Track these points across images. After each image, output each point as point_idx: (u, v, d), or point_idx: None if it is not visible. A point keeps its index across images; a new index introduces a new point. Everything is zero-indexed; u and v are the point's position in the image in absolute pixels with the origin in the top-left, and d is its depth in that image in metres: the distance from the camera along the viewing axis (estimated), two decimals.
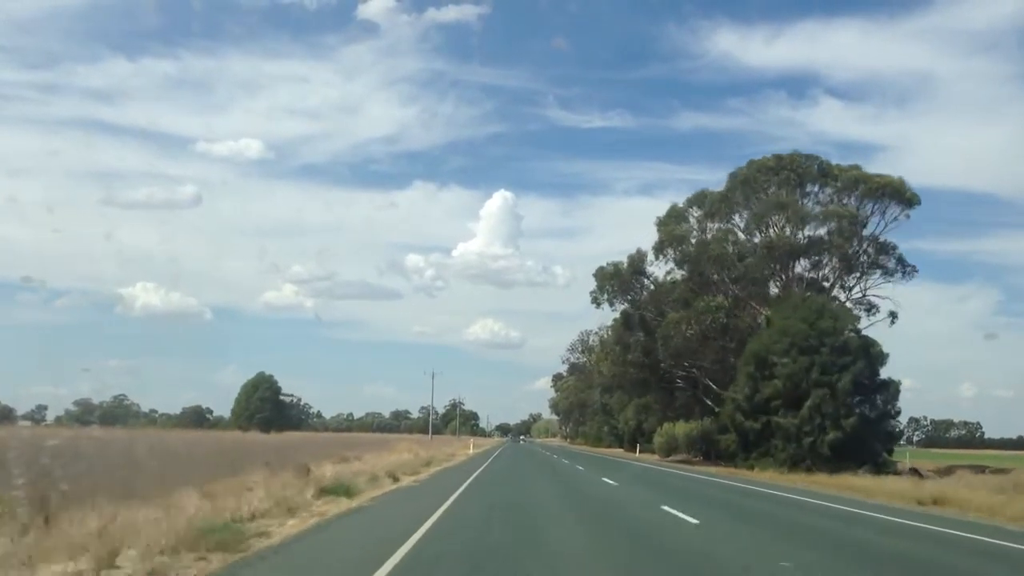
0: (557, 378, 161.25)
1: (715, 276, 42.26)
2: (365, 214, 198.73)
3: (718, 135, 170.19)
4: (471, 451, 58.49)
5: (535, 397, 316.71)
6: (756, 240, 42.18)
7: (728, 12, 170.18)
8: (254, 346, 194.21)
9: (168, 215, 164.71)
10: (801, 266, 41.85)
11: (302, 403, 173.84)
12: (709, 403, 52.45)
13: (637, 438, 77.15)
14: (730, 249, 41.57)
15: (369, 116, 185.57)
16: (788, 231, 39.68)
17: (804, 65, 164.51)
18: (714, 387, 46.92)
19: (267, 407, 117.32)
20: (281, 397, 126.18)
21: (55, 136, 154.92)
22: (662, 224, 44.12)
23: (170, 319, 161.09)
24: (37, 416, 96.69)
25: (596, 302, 46.65)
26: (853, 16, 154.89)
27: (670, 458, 60.95)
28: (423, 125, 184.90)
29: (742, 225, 42.97)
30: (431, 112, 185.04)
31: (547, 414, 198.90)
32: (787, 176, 40.46)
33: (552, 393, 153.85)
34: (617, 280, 45.57)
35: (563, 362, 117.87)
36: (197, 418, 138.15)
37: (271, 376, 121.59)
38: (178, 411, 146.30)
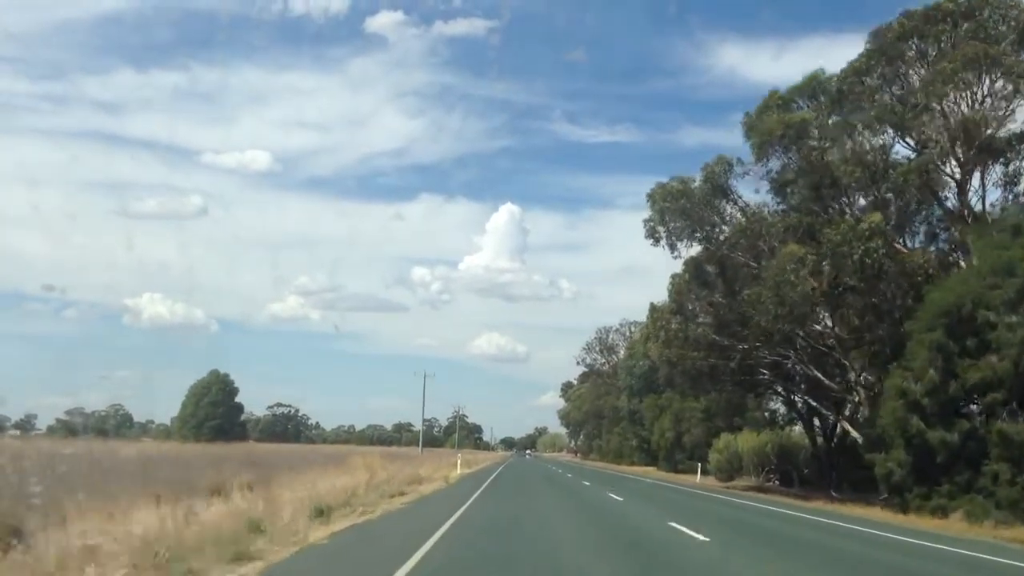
0: (567, 387, 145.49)
1: (851, 194, 25.90)
2: (372, 227, 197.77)
3: (724, 150, 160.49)
4: (457, 471, 41.73)
5: (541, 411, 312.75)
6: (912, 138, 25.67)
7: (734, 27, 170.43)
8: (259, 358, 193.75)
9: (176, 226, 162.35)
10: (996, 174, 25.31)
11: (299, 414, 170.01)
12: (807, 403, 35.78)
13: (675, 453, 60.29)
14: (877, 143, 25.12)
15: (377, 129, 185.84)
16: (988, 105, 23.06)
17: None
18: (826, 380, 30.26)
19: (219, 413, 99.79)
20: (237, 401, 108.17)
21: (64, 147, 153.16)
22: (759, 114, 27.59)
23: (177, 330, 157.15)
24: (27, 425, 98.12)
25: (653, 236, 29.40)
26: (860, 31, 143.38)
27: (733, 483, 44.14)
28: (430, 138, 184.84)
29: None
30: (439, 125, 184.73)
31: (553, 427, 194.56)
32: (975, 28, 23.97)
33: (560, 404, 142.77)
34: (687, 203, 28.57)
35: (577, 363, 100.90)
36: None
37: (226, 375, 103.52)
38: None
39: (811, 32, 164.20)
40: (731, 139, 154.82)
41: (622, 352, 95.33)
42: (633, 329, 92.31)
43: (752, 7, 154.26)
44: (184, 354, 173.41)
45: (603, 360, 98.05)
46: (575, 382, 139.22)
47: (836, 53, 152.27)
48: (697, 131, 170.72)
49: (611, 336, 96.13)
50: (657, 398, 64.89)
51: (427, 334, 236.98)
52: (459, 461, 43.23)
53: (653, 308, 33.96)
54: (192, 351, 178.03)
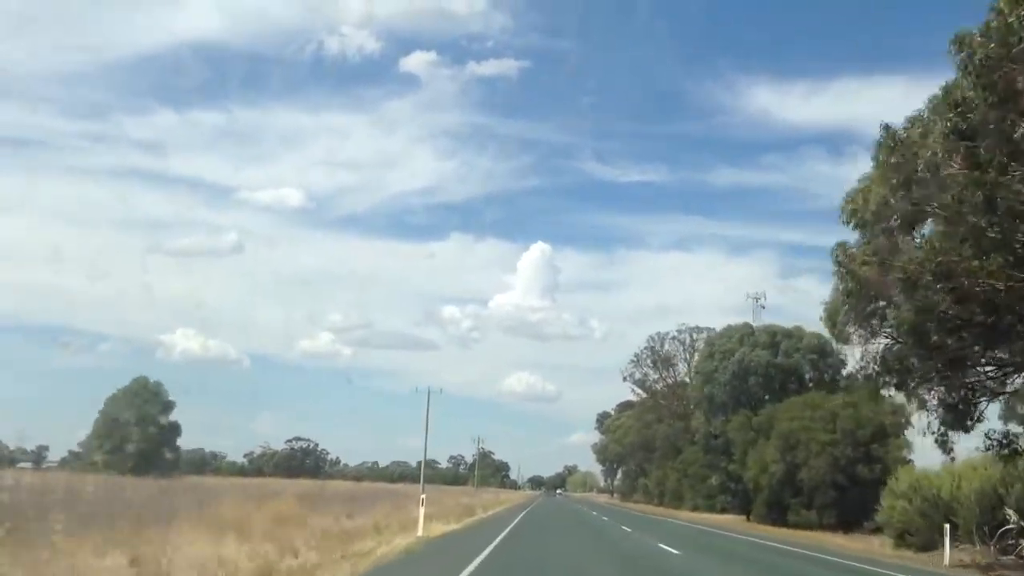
0: (603, 418, 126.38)
1: None
2: (403, 265, 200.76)
3: (754, 191, 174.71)
4: (419, 532, 22.20)
5: (570, 451, 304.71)
6: None
7: (766, 68, 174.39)
8: (289, 393, 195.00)
9: (211, 263, 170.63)
10: None
11: (319, 449, 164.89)
12: None
13: (784, 496, 40.06)
14: None
15: (408, 168, 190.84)
16: None
17: (844, 122, 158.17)
18: None
19: (146, 438, 77.47)
20: (172, 420, 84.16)
21: (103, 185, 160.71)
22: None
23: (208, 365, 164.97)
24: (38, 457, 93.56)
25: None
26: (894, 73, 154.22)
27: (931, 555, 24.35)
28: (461, 177, 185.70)
29: None
30: (469, 165, 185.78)
31: (585, 465, 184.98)
32: None
33: (594, 438, 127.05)
34: None
35: (624, 378, 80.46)
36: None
37: (158, 384, 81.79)
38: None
39: (842, 74, 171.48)
40: (764, 179, 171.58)
41: (681, 367, 75.80)
42: (695, 336, 72.83)
43: (783, 49, 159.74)
44: (215, 390, 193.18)
45: (656, 376, 78.19)
46: (613, 412, 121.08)
47: (868, 94, 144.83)
48: (729, 171, 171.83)
49: (666, 345, 76.52)
50: (751, 416, 45.10)
51: (457, 372, 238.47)
52: (422, 515, 22.84)
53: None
54: (223, 387, 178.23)
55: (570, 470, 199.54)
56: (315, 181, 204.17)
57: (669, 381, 76.06)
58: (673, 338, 75.62)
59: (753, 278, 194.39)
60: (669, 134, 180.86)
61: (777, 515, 40.50)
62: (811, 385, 48.48)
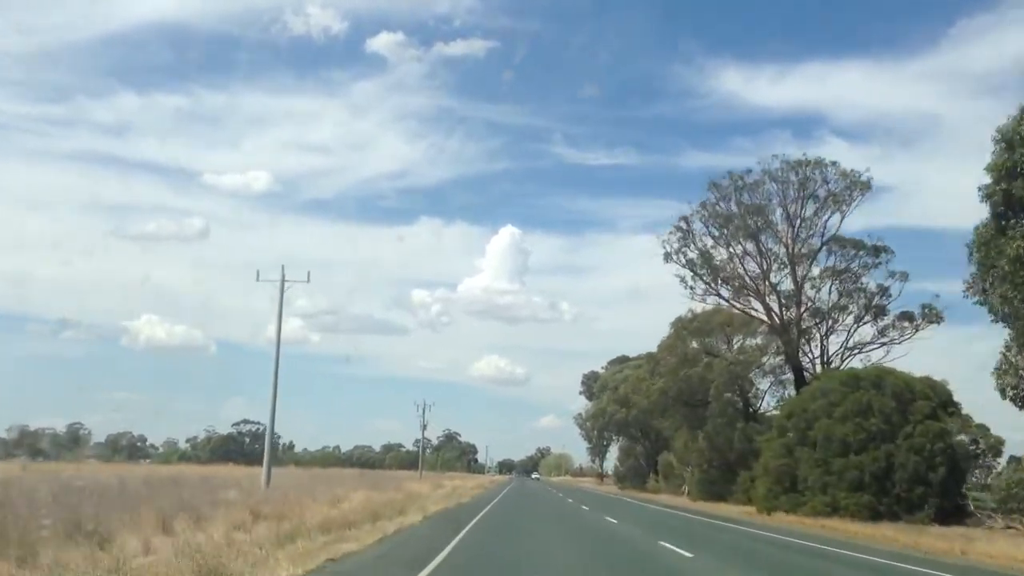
0: (590, 379, 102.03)
1: None
2: (372, 249, 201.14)
3: (724, 174, 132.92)
4: None
5: (540, 435, 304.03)
6: None
7: (734, 52, 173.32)
8: (257, 380, 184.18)
9: (176, 248, 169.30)
10: None
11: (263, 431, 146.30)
12: None
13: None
14: None
15: (377, 152, 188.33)
16: None
17: (810, 105, 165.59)
18: None
19: None
20: None
21: (65, 170, 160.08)
22: None
23: (175, 352, 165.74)
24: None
25: None
26: (859, 57, 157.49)
27: None
28: (430, 161, 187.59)
29: None
30: (438, 148, 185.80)
31: (555, 449, 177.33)
32: None
33: (565, 423, 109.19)
34: None
35: (667, 256, 44.73)
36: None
37: None
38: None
39: (810, 58, 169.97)
40: (733, 162, 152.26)
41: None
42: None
43: (752, 33, 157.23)
44: (181, 377, 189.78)
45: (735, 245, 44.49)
46: (601, 370, 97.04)
47: (835, 78, 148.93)
48: (698, 154, 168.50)
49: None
50: None
51: (427, 356, 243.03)
52: None
53: None
54: (190, 374, 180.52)
55: (543, 452, 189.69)
56: (282, 165, 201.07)
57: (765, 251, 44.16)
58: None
59: None
60: (639, 118, 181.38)
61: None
62: None
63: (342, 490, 30.91)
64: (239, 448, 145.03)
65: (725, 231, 43.08)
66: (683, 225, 42.51)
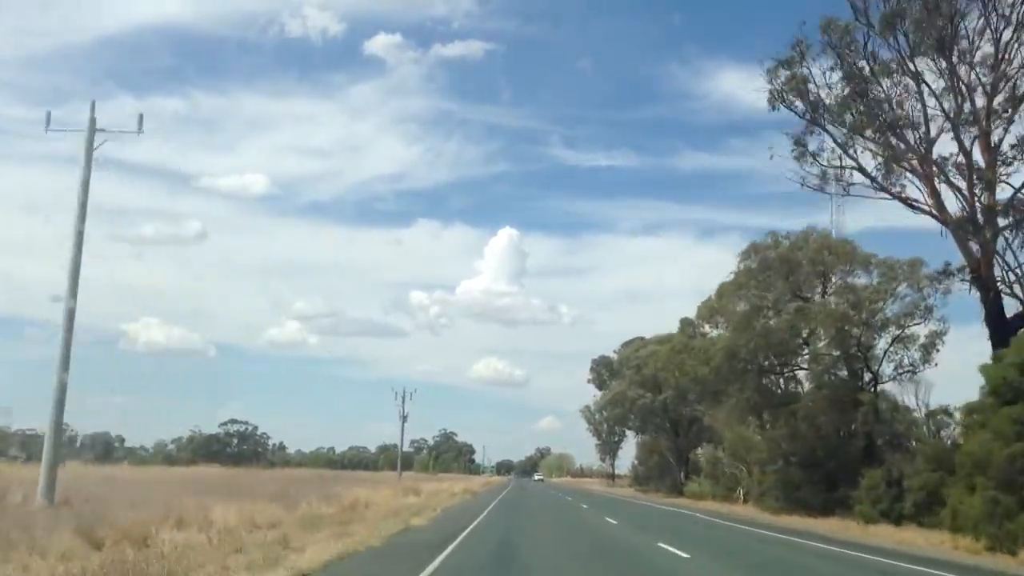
0: (600, 364, 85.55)
1: None
2: (370, 252, 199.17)
3: (722, 175, 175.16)
4: None
5: (539, 436, 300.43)
6: None
7: (731, 54, 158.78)
8: (256, 383, 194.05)
9: (174, 251, 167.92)
10: None
11: (258, 433, 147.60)
12: None
13: None
14: None
15: (375, 154, 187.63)
16: None
17: None
18: None
19: None
20: None
21: (61, 172, 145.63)
22: None
23: (173, 355, 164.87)
24: None
25: None
26: None
27: None
28: (428, 164, 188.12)
29: None
30: (436, 151, 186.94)
31: (557, 448, 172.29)
32: None
33: (562, 424, 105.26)
34: None
35: (774, 101, 23.19)
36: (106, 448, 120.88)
37: None
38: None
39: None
40: (730, 163, 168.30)
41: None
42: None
43: (748, 35, 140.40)
44: (180, 379, 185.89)
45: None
46: (614, 354, 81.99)
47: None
48: (695, 155, 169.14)
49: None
50: None
51: (426, 359, 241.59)
52: None
53: None
54: (189, 376, 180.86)
55: (542, 452, 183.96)
56: (280, 168, 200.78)
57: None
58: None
59: (723, 262, 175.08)
60: (636, 120, 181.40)
61: None
62: None
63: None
64: (222, 449, 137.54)
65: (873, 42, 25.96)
66: (797, 52, 25.75)
